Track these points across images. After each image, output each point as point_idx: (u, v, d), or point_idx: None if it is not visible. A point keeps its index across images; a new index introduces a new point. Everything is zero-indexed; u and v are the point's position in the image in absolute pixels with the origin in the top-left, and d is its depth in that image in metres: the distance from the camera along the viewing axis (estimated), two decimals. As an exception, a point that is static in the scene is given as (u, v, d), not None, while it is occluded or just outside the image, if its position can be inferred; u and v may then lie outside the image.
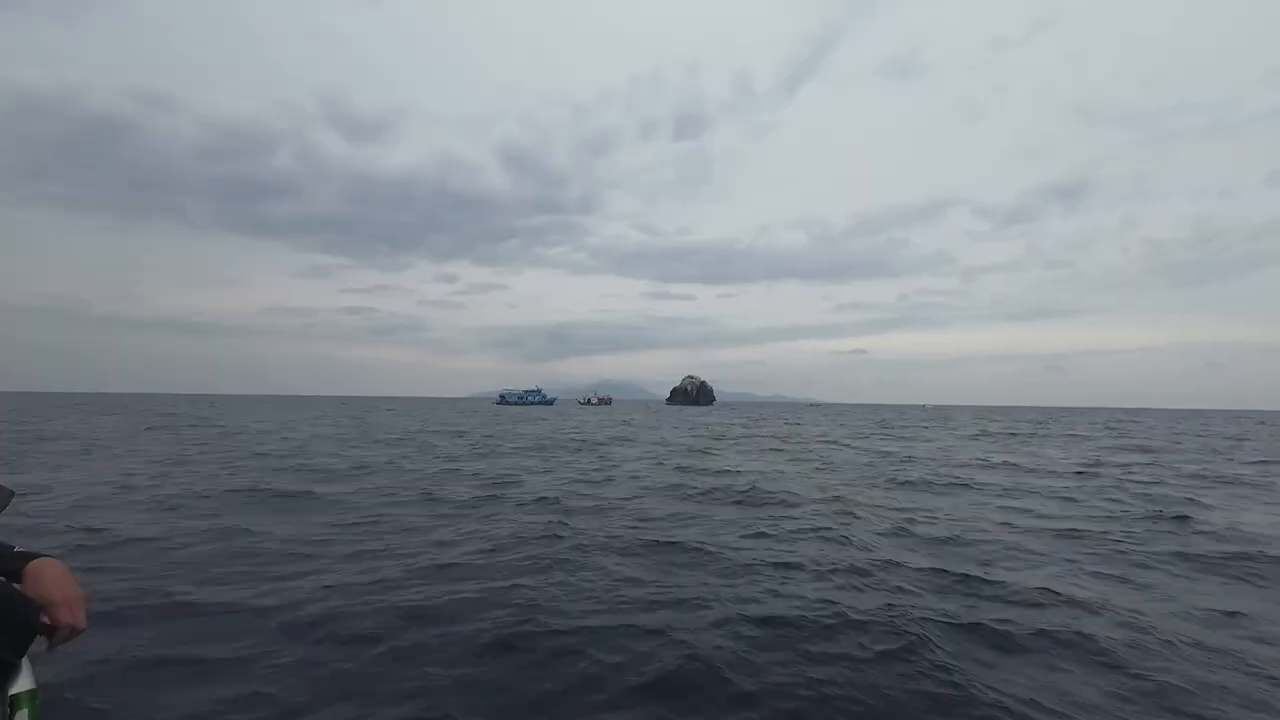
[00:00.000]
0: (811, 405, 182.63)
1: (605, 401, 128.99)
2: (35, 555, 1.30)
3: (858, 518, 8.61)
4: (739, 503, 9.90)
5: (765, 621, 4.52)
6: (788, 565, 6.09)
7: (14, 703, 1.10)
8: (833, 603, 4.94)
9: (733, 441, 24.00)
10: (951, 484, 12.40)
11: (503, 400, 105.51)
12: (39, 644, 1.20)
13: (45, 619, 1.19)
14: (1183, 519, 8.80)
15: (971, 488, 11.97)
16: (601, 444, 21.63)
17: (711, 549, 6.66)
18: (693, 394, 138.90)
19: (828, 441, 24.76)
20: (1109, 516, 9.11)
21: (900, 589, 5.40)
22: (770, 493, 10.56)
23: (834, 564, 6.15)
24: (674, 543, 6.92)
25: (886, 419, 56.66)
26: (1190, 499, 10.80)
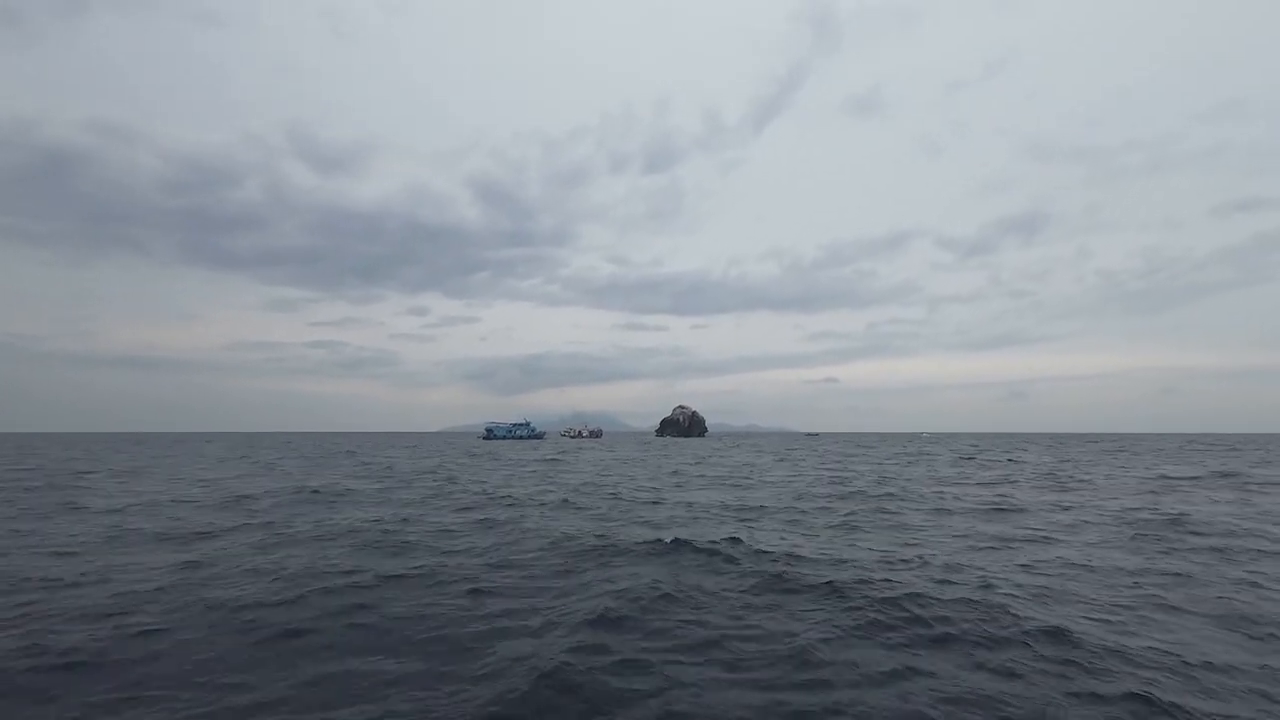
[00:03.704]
0: (809, 435, 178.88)
1: (596, 434, 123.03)
2: None
3: None
4: None
5: None
6: None
7: None
8: None
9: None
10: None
11: (490, 435, 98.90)
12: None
13: None
14: None
15: None
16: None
17: None
18: (685, 425, 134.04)
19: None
20: None
21: None
22: None
23: None
24: None
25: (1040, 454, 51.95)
26: None
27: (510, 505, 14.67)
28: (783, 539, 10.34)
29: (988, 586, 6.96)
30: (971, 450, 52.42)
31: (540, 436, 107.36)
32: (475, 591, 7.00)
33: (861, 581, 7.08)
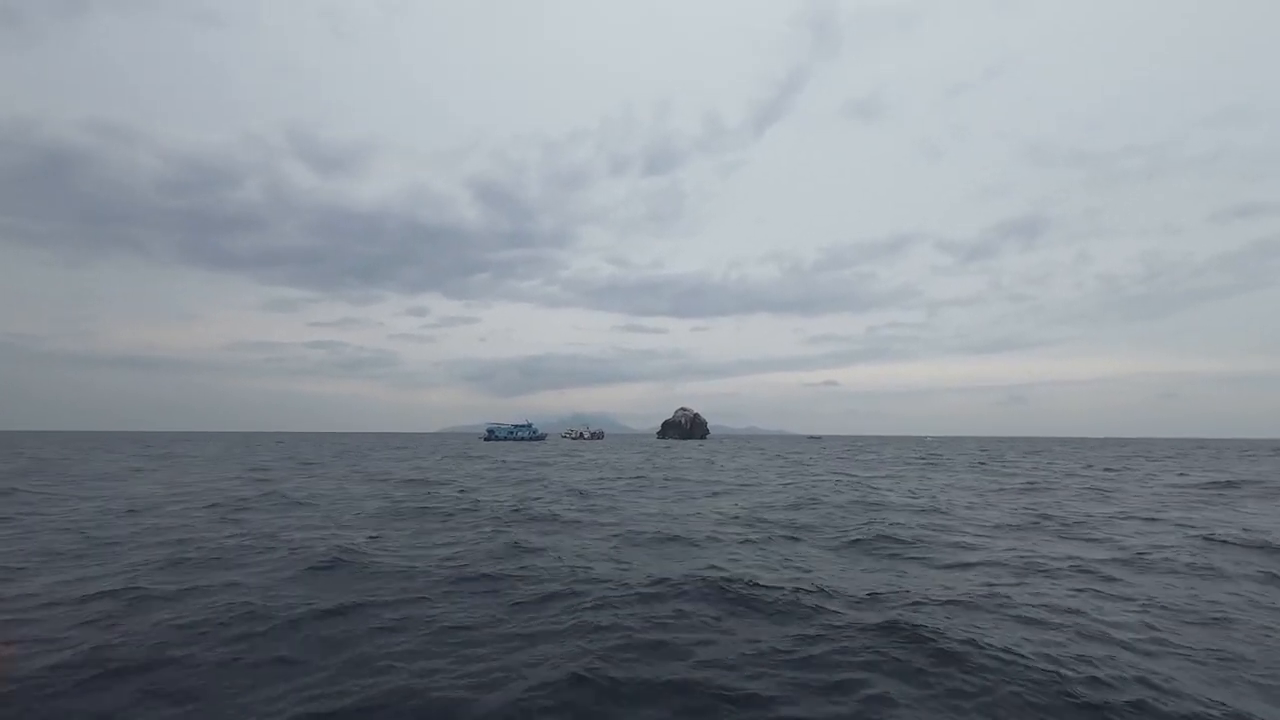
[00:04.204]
0: (812, 438, 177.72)
1: (598, 436, 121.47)
2: None
3: None
4: None
5: None
6: None
7: None
8: None
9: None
10: None
11: (491, 436, 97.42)
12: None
13: None
14: None
15: None
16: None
17: None
18: (687, 427, 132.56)
19: None
20: None
21: None
22: None
23: None
24: None
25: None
26: None
27: (510, 518, 13.13)
28: (838, 569, 8.71)
29: (1140, 650, 5.34)
30: (984, 455, 51.01)
31: (541, 438, 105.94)
32: (447, 640, 5.52)
33: (970, 628, 5.60)
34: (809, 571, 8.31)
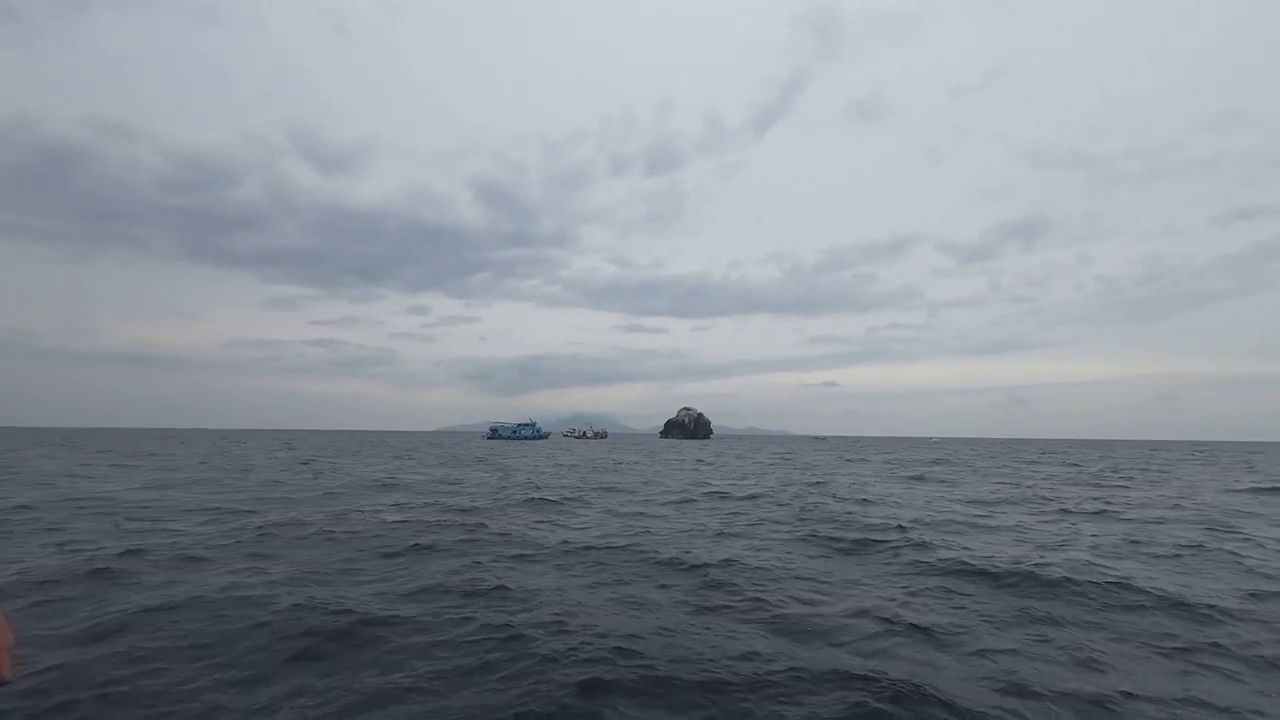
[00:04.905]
0: (817, 439, 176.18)
1: (601, 436, 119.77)
2: None
3: None
4: None
5: None
6: None
7: None
8: None
9: None
10: None
11: (494, 434, 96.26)
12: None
13: None
14: None
15: None
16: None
17: None
18: (690, 427, 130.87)
19: None
20: None
21: None
22: None
23: None
24: None
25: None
26: None
27: (506, 536, 10.53)
28: (987, 634, 6.50)
29: None
30: (1004, 458, 49.10)
31: (544, 437, 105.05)
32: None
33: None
34: (943, 644, 6.37)
